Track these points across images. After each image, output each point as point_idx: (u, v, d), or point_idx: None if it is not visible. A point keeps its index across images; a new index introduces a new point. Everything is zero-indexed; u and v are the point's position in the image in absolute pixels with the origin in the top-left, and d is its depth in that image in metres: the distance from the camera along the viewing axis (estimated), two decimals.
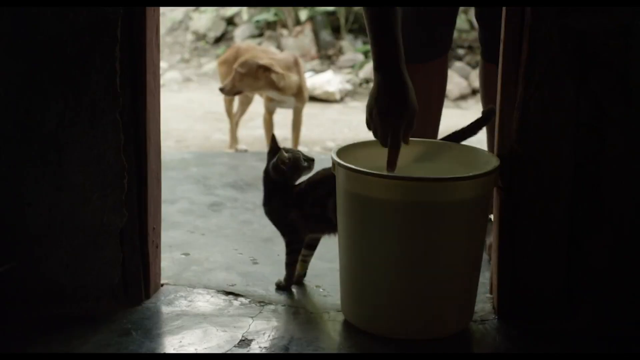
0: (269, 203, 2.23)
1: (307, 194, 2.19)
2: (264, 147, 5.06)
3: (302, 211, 2.18)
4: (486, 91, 2.55)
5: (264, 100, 4.62)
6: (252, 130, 5.32)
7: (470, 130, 2.15)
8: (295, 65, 4.48)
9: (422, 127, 2.48)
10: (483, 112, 2.14)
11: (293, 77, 4.46)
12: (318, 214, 2.17)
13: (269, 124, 4.69)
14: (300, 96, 4.53)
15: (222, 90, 4.42)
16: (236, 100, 4.92)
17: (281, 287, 2.23)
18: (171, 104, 5.86)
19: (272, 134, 2.28)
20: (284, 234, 2.23)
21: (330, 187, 2.10)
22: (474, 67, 6.83)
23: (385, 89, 2.01)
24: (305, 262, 2.27)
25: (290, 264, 2.23)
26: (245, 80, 4.32)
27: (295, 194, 2.20)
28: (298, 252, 2.23)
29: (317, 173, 2.21)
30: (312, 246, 2.27)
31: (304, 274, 2.28)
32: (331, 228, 2.18)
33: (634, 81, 1.89)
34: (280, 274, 2.24)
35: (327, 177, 2.15)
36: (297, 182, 2.22)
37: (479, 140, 2.47)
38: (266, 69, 4.30)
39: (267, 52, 4.71)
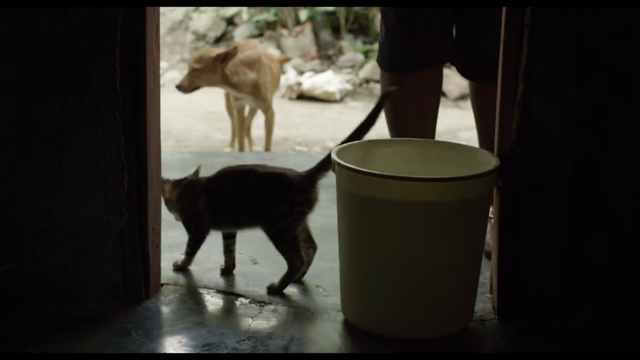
0: (181, 196, 2.28)
1: (213, 182, 2.24)
2: (263, 146, 5.06)
3: (208, 199, 2.22)
4: (482, 118, 2.54)
5: (231, 98, 4.64)
6: (251, 130, 5.30)
7: (370, 120, 2.18)
8: (257, 63, 4.47)
9: (418, 135, 2.49)
10: (381, 94, 2.22)
11: (249, 75, 4.43)
12: (220, 205, 2.21)
13: (240, 122, 4.71)
14: (257, 94, 4.50)
15: (179, 87, 4.38)
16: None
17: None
18: (171, 104, 5.85)
19: None
20: (188, 229, 2.29)
21: (236, 184, 2.19)
22: None
23: None
24: (231, 252, 2.32)
25: (189, 254, 2.31)
26: (203, 75, 4.34)
27: (203, 182, 2.26)
28: (198, 247, 2.30)
29: (232, 166, 2.28)
30: (232, 235, 2.31)
31: (233, 265, 2.33)
32: (232, 224, 2.24)
33: (634, 81, 1.89)
34: (280, 273, 2.24)
35: (237, 173, 2.23)
36: (211, 174, 2.27)
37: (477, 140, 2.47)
38: (223, 60, 4.31)
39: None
